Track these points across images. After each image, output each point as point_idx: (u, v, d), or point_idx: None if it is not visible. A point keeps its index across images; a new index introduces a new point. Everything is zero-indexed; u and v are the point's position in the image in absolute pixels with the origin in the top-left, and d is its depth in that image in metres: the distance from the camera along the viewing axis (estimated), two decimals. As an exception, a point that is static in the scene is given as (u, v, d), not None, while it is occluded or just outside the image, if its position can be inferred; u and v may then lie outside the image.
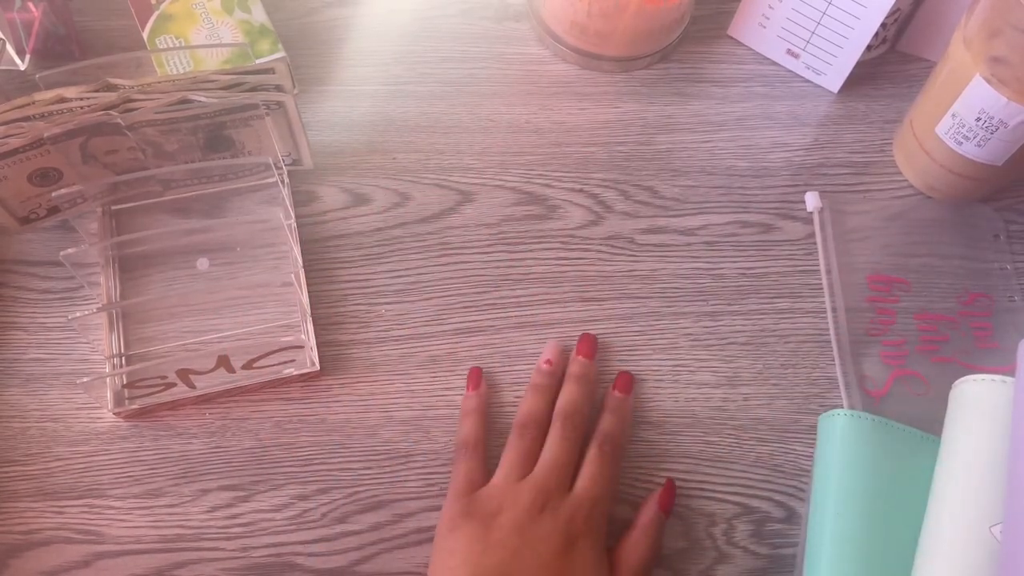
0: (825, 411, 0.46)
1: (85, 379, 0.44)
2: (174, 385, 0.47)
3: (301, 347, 0.47)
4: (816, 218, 0.55)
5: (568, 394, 0.48)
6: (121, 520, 0.46)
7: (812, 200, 0.56)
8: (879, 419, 0.43)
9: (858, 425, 0.43)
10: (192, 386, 0.47)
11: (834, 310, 0.53)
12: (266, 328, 0.51)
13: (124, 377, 0.47)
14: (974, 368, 0.50)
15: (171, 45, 0.55)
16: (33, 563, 0.45)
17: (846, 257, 0.54)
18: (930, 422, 0.44)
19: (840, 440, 0.43)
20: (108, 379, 0.48)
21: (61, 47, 0.58)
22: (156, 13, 0.56)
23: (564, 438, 0.46)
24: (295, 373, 0.48)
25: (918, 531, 0.41)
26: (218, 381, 0.47)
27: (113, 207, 0.53)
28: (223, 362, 0.46)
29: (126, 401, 0.48)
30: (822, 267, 0.54)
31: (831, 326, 0.52)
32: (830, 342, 0.52)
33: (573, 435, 0.46)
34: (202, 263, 0.52)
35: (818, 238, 0.55)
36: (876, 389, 0.50)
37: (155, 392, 0.47)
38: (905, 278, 0.54)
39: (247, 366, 0.47)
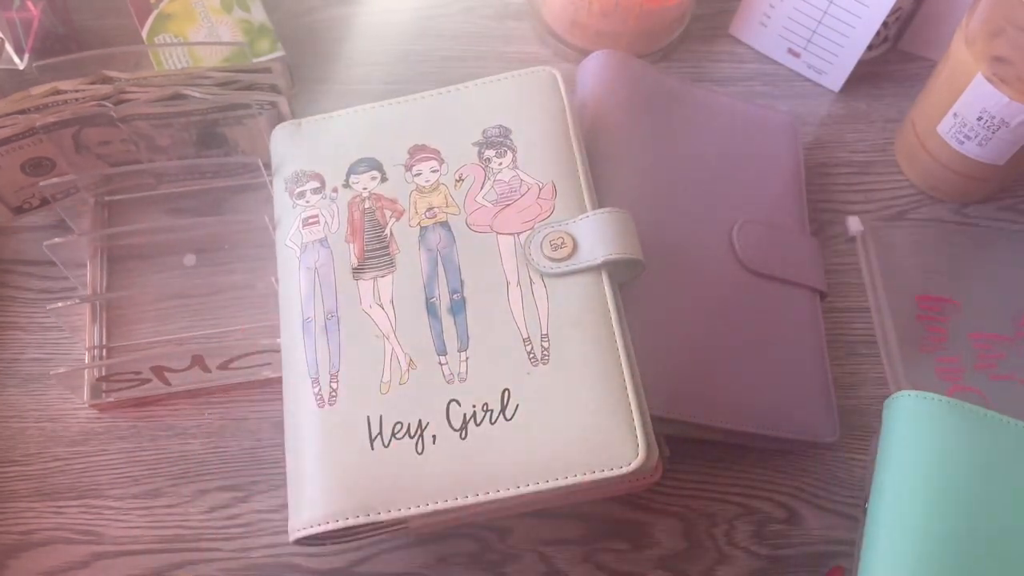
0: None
1: (60, 369, 0.44)
2: (148, 381, 0.47)
3: (279, 351, 0.47)
4: (859, 241, 0.55)
5: None
6: (120, 520, 0.46)
7: (854, 224, 0.55)
8: (953, 402, 0.39)
9: (928, 408, 0.39)
10: (167, 383, 0.47)
11: (884, 332, 0.52)
12: (247, 329, 0.50)
13: (103, 370, 0.47)
14: None
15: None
16: (32, 563, 0.45)
17: (892, 279, 0.53)
18: None
19: (904, 424, 0.39)
20: (86, 371, 0.48)
21: (60, 46, 0.57)
22: (155, 12, 0.56)
23: None
24: (272, 376, 0.48)
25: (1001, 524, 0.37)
26: (193, 379, 0.47)
27: (106, 198, 0.53)
28: (198, 361, 0.46)
29: (102, 394, 0.48)
30: (868, 288, 0.53)
31: (881, 347, 0.51)
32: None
33: None
34: (188, 259, 0.52)
35: (862, 261, 0.54)
36: None
37: (130, 387, 0.47)
38: (955, 299, 0.52)
39: (223, 366, 0.47)
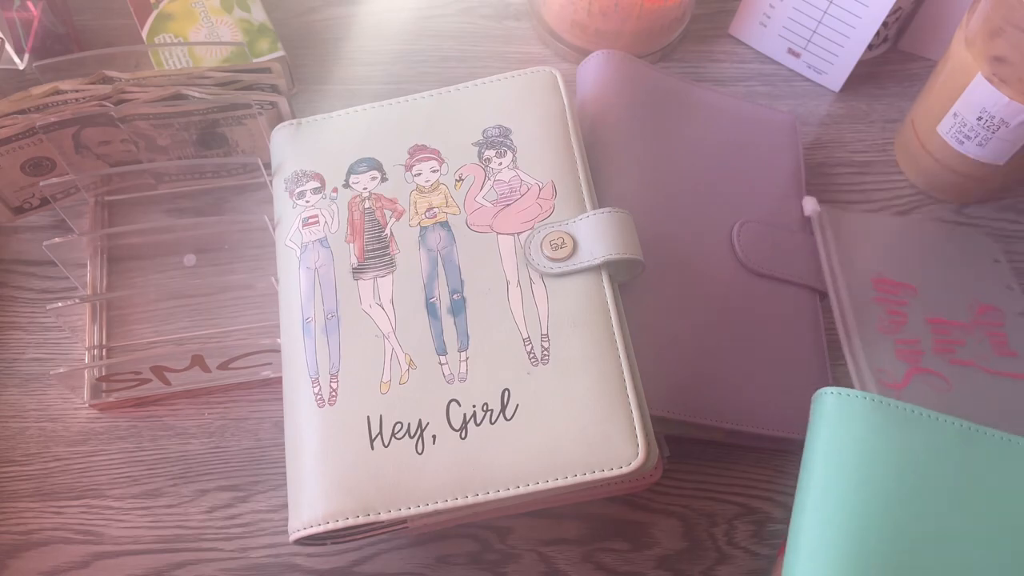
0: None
1: (60, 369, 0.44)
2: (148, 381, 0.47)
3: (279, 351, 0.47)
4: (815, 221, 0.54)
5: None
6: (120, 520, 0.46)
7: (810, 204, 0.54)
8: (878, 399, 0.38)
9: (852, 406, 0.38)
10: (167, 383, 0.47)
11: (841, 308, 0.50)
12: (245, 330, 0.51)
13: (103, 370, 0.47)
14: (997, 374, 0.48)
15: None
16: (32, 563, 0.45)
17: (848, 259, 0.52)
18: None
19: (828, 423, 0.38)
20: (86, 371, 0.48)
21: (60, 46, 0.57)
22: (155, 12, 0.56)
23: None
24: (272, 376, 0.48)
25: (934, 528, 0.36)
26: (193, 379, 0.47)
27: (106, 198, 0.53)
28: (198, 361, 0.46)
29: (103, 394, 0.48)
30: (825, 269, 0.52)
31: (839, 323, 0.50)
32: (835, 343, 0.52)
33: None
34: (189, 259, 0.52)
35: (818, 240, 0.53)
36: (894, 383, 0.47)
37: (129, 387, 0.47)
38: (912, 284, 0.52)
39: (223, 367, 0.47)
